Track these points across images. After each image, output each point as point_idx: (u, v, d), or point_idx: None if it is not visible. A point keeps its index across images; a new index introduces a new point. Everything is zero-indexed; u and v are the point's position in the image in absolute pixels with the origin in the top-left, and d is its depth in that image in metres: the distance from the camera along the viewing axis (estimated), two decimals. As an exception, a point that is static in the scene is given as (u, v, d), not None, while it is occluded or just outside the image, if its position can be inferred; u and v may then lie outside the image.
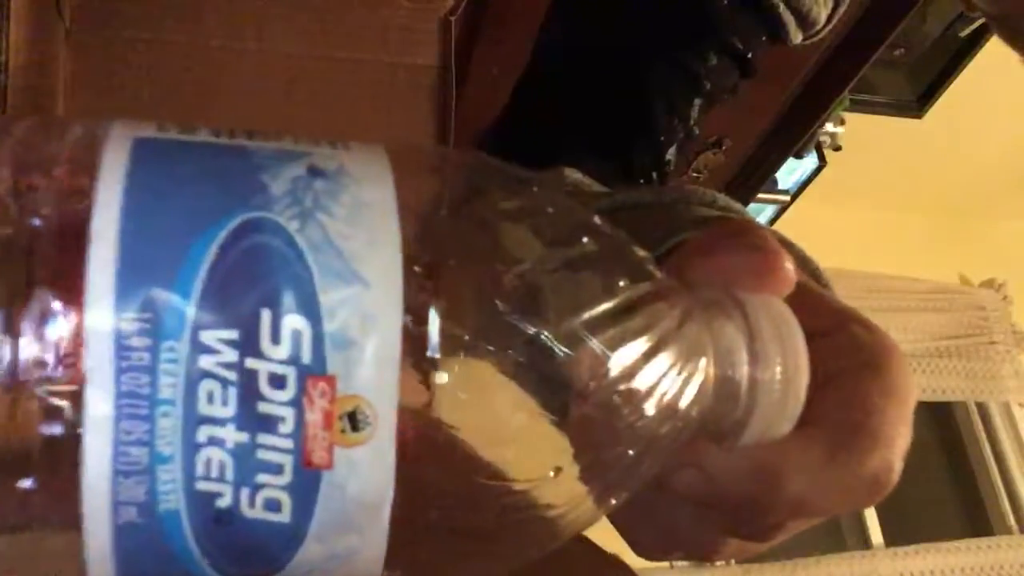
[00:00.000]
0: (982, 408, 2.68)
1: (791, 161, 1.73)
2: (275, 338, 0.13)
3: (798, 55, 1.35)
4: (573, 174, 0.42)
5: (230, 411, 0.13)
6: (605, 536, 0.38)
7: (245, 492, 0.14)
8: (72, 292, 0.12)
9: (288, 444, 0.14)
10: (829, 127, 1.89)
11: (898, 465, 0.22)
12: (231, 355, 0.13)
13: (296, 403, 0.14)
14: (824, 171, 1.86)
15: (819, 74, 1.42)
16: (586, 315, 0.16)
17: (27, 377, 0.12)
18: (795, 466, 0.20)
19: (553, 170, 0.43)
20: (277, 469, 0.14)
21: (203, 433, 0.13)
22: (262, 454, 0.14)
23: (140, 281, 0.13)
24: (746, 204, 1.68)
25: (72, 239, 0.13)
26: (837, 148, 1.93)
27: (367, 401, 0.14)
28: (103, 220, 0.13)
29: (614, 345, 0.17)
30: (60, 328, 0.12)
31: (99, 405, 0.13)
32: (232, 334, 0.13)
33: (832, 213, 2.47)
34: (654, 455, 0.18)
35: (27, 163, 0.14)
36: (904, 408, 0.22)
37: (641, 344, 0.17)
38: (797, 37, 0.54)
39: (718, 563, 2.15)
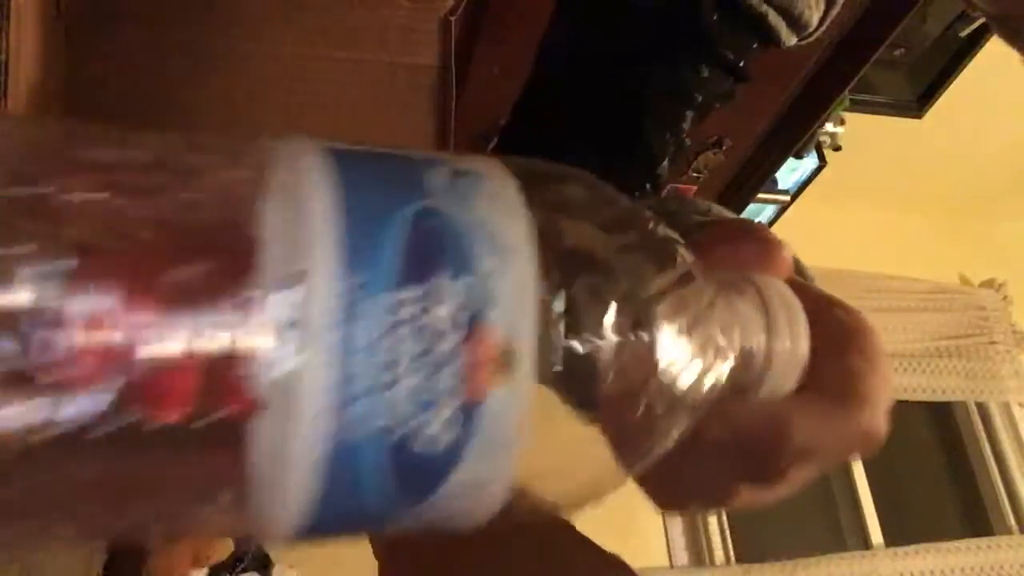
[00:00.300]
0: (982, 408, 2.68)
1: (791, 161, 1.73)
2: (448, 296, 0.17)
3: (798, 55, 1.35)
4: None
5: (413, 351, 0.17)
6: (605, 536, 0.38)
7: (422, 422, 0.17)
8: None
9: (455, 380, 0.17)
10: (829, 127, 1.89)
11: (884, 421, 0.27)
12: (415, 309, 0.17)
13: (462, 348, 0.17)
14: (824, 171, 1.86)
15: (819, 74, 1.42)
16: (644, 294, 0.20)
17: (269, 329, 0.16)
18: (800, 418, 0.25)
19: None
20: (448, 399, 0.17)
21: (392, 370, 0.17)
22: (435, 391, 0.17)
23: (352, 255, 0.17)
24: (746, 204, 1.68)
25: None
26: (837, 148, 1.94)
27: (515, 347, 0.18)
28: (326, 210, 0.17)
29: (662, 323, 0.20)
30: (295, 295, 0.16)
31: (318, 354, 0.16)
32: (417, 291, 0.17)
33: (832, 213, 2.47)
34: (691, 418, 0.22)
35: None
36: (883, 377, 0.27)
37: (681, 322, 0.21)
38: (791, 40, 0.54)
39: (718, 562, 2.16)
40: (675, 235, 0.23)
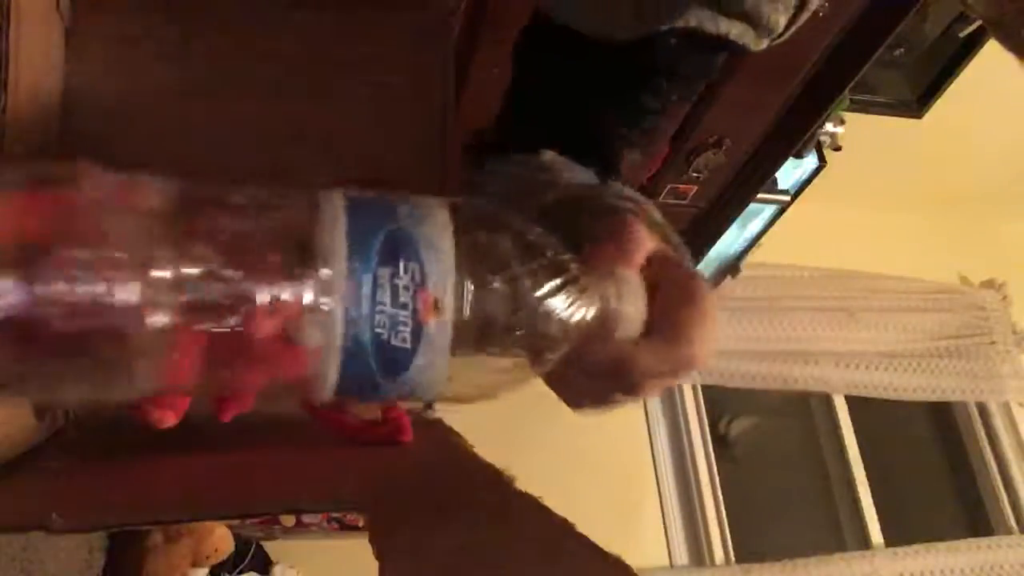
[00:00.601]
0: (982, 408, 2.68)
1: (791, 161, 1.73)
2: (406, 271, 0.33)
3: (798, 55, 1.35)
4: (549, 155, 0.56)
5: (388, 299, 0.33)
6: (606, 537, 0.38)
7: (392, 332, 0.33)
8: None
9: (410, 314, 0.33)
10: (829, 127, 1.89)
11: (702, 354, 0.39)
12: (388, 277, 0.33)
13: (414, 296, 0.33)
14: (824, 171, 1.86)
15: (819, 74, 1.42)
16: (546, 288, 0.36)
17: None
18: (642, 352, 0.39)
19: (536, 154, 0.56)
20: (406, 323, 0.33)
21: (377, 308, 0.33)
22: (401, 318, 0.33)
23: (356, 254, 0.33)
24: (746, 204, 1.68)
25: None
26: (837, 148, 1.93)
27: (443, 301, 0.33)
28: (341, 231, 0.33)
29: (557, 294, 0.37)
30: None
31: (339, 299, 0.32)
32: (389, 270, 0.33)
33: (832, 213, 2.47)
34: (567, 343, 0.37)
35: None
36: (706, 325, 0.39)
37: (569, 293, 0.37)
38: (760, 45, 0.54)
39: (718, 562, 2.16)
40: (562, 252, 0.38)
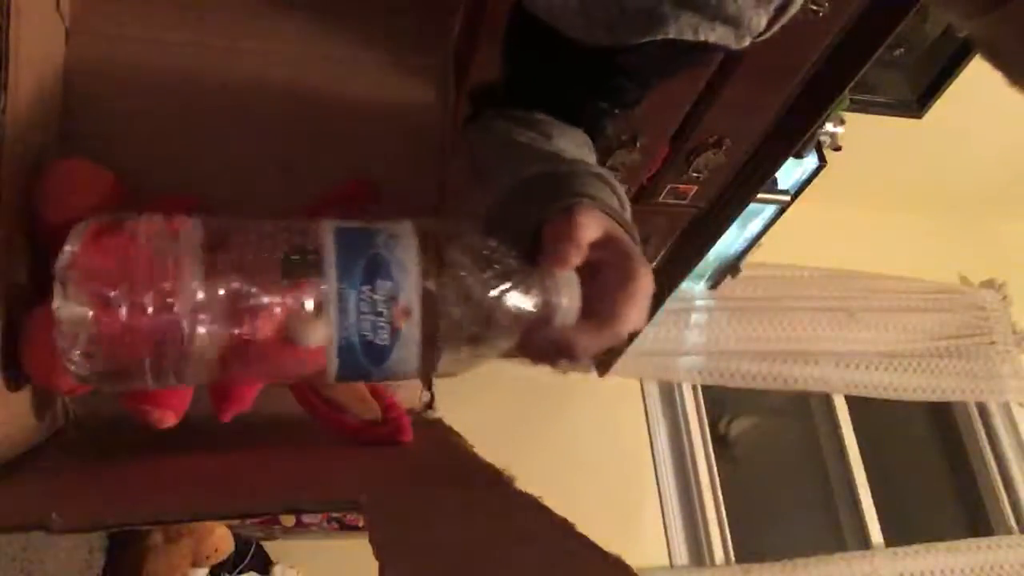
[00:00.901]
0: (982, 408, 2.68)
1: (791, 161, 1.72)
2: (383, 287, 0.44)
3: (798, 56, 1.35)
4: (540, 115, 0.60)
5: (369, 310, 0.43)
6: (606, 537, 0.38)
7: (374, 334, 0.44)
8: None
9: (387, 319, 0.44)
10: (829, 127, 1.88)
11: (632, 330, 0.47)
12: (369, 292, 0.43)
13: (389, 306, 0.43)
14: (824, 171, 1.86)
15: (819, 74, 1.42)
16: (496, 291, 0.46)
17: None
18: (580, 333, 0.47)
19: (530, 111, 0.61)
20: (384, 327, 0.44)
21: (361, 317, 0.43)
22: (380, 323, 0.43)
23: (344, 276, 0.43)
24: (746, 204, 1.68)
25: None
26: (837, 148, 1.93)
27: (411, 308, 0.44)
28: (334, 257, 0.44)
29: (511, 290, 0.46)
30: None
31: (332, 309, 0.43)
32: (369, 286, 0.43)
33: (832, 213, 2.47)
34: (519, 331, 0.47)
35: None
36: (637, 306, 0.46)
37: (515, 294, 0.46)
38: (742, 44, 0.54)
39: (718, 562, 2.16)
40: (510, 258, 0.47)
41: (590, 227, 0.47)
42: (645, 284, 0.47)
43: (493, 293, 0.45)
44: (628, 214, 0.53)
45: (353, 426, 0.68)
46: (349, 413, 0.68)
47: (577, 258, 0.47)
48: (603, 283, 0.47)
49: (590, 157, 0.59)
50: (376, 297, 0.43)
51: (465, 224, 0.48)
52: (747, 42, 0.54)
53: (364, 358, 0.44)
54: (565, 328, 0.47)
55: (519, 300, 0.46)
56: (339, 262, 0.43)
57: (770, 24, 0.54)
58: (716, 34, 0.53)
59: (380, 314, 0.43)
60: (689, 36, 0.52)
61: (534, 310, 0.46)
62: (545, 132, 0.58)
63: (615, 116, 0.63)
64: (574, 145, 0.59)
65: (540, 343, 0.47)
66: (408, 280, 0.44)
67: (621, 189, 0.54)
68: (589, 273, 0.48)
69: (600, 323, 0.47)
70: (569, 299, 0.47)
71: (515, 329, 0.47)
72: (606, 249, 0.48)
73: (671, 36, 0.52)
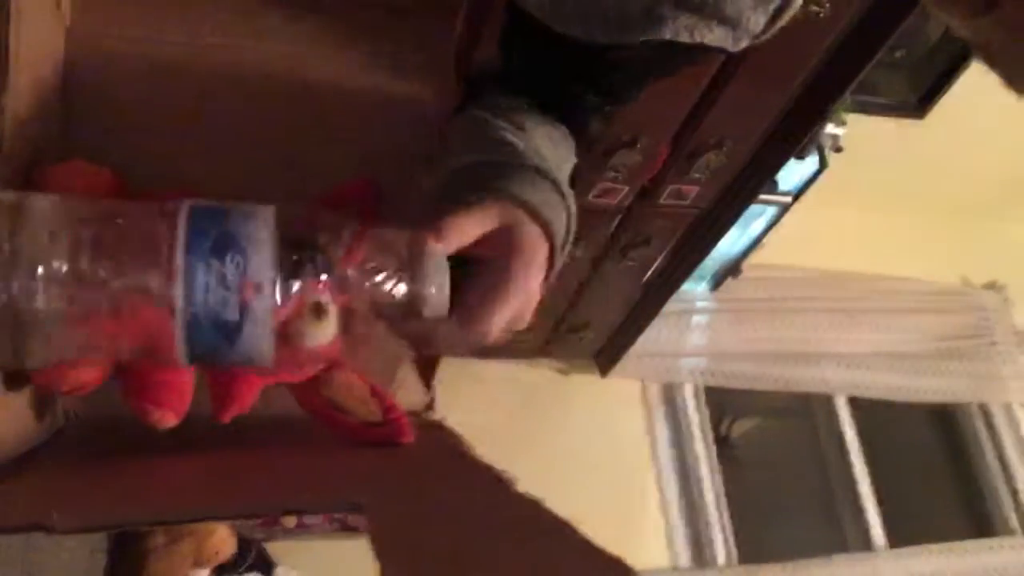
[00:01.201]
0: (984, 409, 2.68)
1: (792, 162, 1.72)
2: (232, 261, 0.43)
3: (799, 57, 1.35)
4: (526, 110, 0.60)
5: (218, 284, 0.43)
6: (607, 538, 0.38)
7: (223, 309, 0.43)
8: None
9: (235, 294, 0.43)
10: (830, 128, 1.89)
11: (494, 333, 0.47)
12: (218, 266, 0.43)
13: (240, 280, 0.43)
14: (825, 172, 1.86)
15: (820, 76, 1.42)
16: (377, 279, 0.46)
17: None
18: (443, 326, 0.47)
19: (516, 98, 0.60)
20: (234, 303, 0.43)
21: (210, 291, 0.42)
22: (229, 298, 0.43)
23: (193, 249, 0.43)
24: (747, 205, 1.68)
25: None
26: (838, 149, 1.93)
27: (262, 284, 0.43)
28: (178, 232, 0.44)
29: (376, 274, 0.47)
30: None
31: (183, 282, 0.43)
32: (219, 261, 0.43)
33: (834, 214, 2.47)
34: (383, 313, 0.47)
35: None
36: (502, 308, 0.46)
37: (387, 275, 0.46)
38: (740, 45, 0.54)
39: (720, 564, 2.15)
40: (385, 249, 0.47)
41: (474, 223, 0.47)
42: (517, 285, 0.47)
43: (361, 279, 0.45)
44: (565, 216, 0.52)
45: (354, 427, 0.68)
46: (350, 414, 0.68)
47: (439, 245, 0.47)
48: (480, 279, 0.47)
49: (564, 153, 0.59)
50: (225, 271, 0.42)
51: (343, 215, 0.48)
52: (744, 43, 0.54)
53: (214, 333, 0.43)
54: (431, 322, 0.47)
55: (387, 288, 0.46)
56: (189, 235, 0.43)
57: (768, 25, 0.53)
58: (713, 35, 0.52)
59: (229, 288, 0.42)
60: (685, 38, 0.52)
61: (402, 300, 0.46)
62: (519, 124, 0.57)
63: (605, 112, 0.62)
64: (548, 140, 0.58)
65: (407, 331, 0.49)
66: (259, 256, 0.43)
67: (568, 189, 0.54)
68: (485, 268, 0.48)
69: (461, 318, 0.47)
70: (437, 289, 0.46)
71: (383, 315, 0.47)
72: (498, 245, 0.48)
73: (667, 38, 0.52)
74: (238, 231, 0.44)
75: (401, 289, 0.46)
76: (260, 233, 0.44)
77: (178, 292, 0.42)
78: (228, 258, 0.43)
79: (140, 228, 0.44)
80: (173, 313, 0.42)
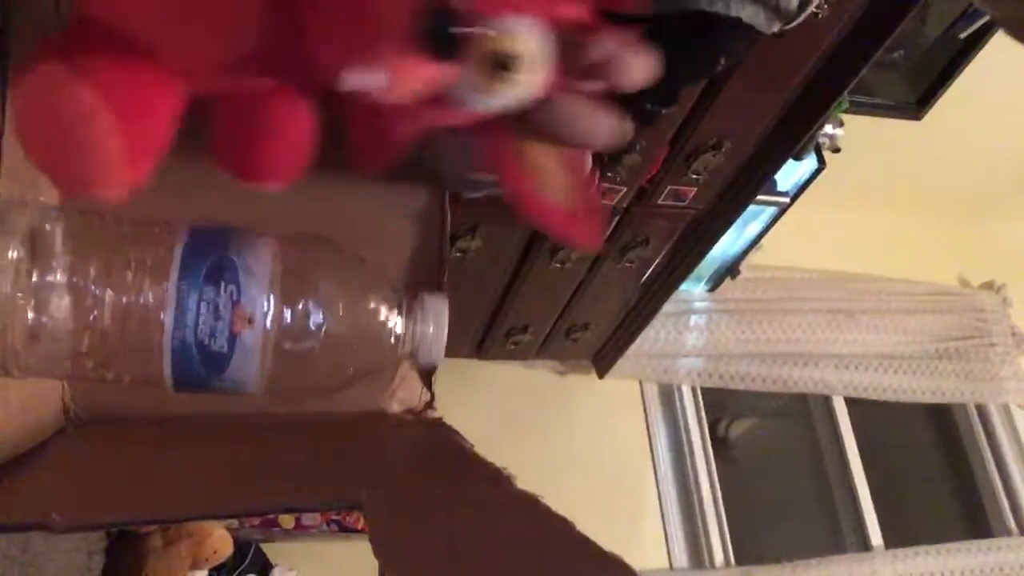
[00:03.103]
0: (981, 410, 2.68)
1: (790, 163, 1.72)
2: (225, 291, 0.43)
3: (797, 57, 1.35)
4: None
5: (209, 312, 0.42)
6: (606, 538, 0.38)
7: (212, 339, 0.43)
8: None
9: (227, 324, 0.42)
10: (828, 129, 1.89)
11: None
12: (212, 295, 0.42)
13: (229, 308, 0.42)
14: (823, 173, 1.86)
15: (818, 76, 1.42)
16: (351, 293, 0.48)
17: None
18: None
19: None
20: (224, 332, 0.43)
21: (201, 319, 0.43)
22: (219, 328, 0.43)
23: (186, 276, 0.43)
24: (745, 206, 1.68)
25: None
26: (836, 150, 1.93)
27: (255, 316, 0.43)
28: (174, 257, 0.44)
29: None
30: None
31: (173, 308, 0.43)
32: (212, 289, 0.42)
33: (831, 215, 2.47)
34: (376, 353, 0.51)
35: None
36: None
37: (386, 308, 0.50)
38: (772, 27, 0.54)
39: (718, 565, 2.16)
40: (383, 284, 0.49)
41: None
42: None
43: (358, 317, 0.45)
44: None
45: (554, 213, 0.53)
46: (555, 201, 0.53)
47: None
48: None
49: None
50: (218, 300, 0.41)
51: (343, 250, 0.47)
52: (776, 27, 0.54)
53: (200, 363, 0.42)
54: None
55: (384, 323, 0.46)
56: (184, 261, 0.42)
57: (799, 9, 0.54)
58: (747, 12, 0.52)
59: (220, 318, 0.42)
60: (720, 9, 0.52)
61: (394, 342, 0.47)
62: None
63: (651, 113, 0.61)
64: None
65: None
66: (255, 286, 0.42)
67: None
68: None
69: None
70: (435, 327, 0.47)
71: (374, 355, 0.47)
72: None
73: (702, 8, 0.52)
74: (235, 259, 0.43)
75: (397, 324, 0.48)
76: (258, 262, 0.43)
77: (168, 318, 0.41)
78: (222, 287, 0.42)
79: (137, 247, 0.42)
80: (162, 337, 0.42)
